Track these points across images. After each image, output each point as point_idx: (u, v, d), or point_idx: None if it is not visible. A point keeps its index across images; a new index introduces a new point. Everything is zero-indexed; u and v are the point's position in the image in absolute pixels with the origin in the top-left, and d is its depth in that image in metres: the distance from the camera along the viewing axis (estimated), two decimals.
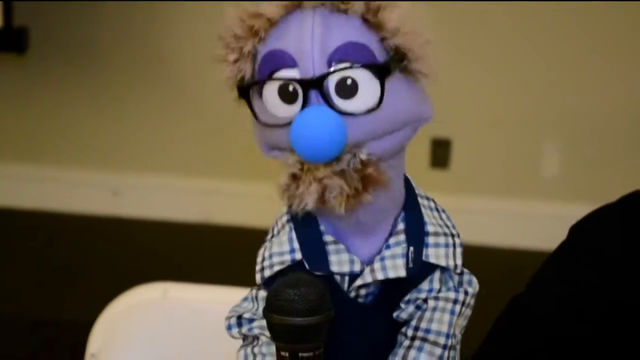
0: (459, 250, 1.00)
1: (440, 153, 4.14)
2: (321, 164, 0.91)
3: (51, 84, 4.30)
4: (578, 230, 1.16)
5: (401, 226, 0.98)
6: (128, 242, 4.08)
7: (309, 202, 0.91)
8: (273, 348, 0.96)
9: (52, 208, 4.32)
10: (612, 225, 1.13)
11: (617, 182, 3.85)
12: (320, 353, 0.89)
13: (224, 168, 4.20)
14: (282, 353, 0.89)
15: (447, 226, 1.01)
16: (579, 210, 1.20)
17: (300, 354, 0.89)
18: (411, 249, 0.97)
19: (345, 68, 0.90)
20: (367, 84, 0.90)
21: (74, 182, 4.34)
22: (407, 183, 1.01)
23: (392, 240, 0.98)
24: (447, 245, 0.99)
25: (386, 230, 0.98)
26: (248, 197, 4.04)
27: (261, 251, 1.00)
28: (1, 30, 3.87)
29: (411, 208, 0.99)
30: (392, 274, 0.96)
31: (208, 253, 3.93)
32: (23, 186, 4.35)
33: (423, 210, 1.00)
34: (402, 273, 0.96)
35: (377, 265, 0.96)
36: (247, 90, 0.93)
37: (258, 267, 1.00)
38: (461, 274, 1.00)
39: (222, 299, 1.41)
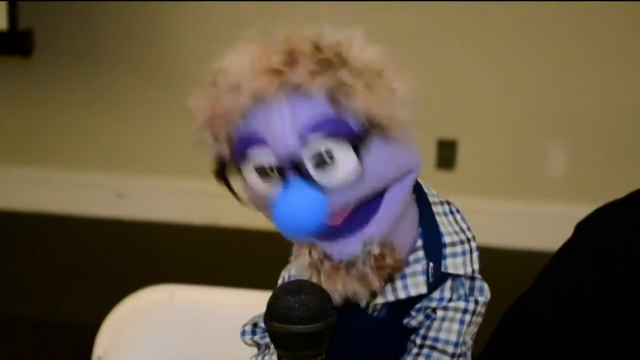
0: (475, 254, 0.99)
1: (446, 154, 4.13)
2: (338, 265, 0.92)
3: (56, 86, 4.30)
4: (583, 228, 1.16)
5: (419, 242, 0.98)
6: (133, 245, 4.08)
7: (336, 298, 0.92)
8: None
9: (57, 210, 4.32)
10: (618, 223, 1.13)
11: (623, 182, 3.83)
12: (323, 359, 0.89)
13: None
14: None
15: (462, 231, 1.00)
16: (586, 211, 1.19)
17: None
18: (431, 264, 0.97)
19: (319, 139, 0.88)
20: (344, 154, 0.89)
21: (78, 184, 4.34)
22: (420, 191, 1.01)
23: (411, 257, 0.97)
24: (464, 253, 0.99)
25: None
26: None
27: (282, 273, 1.02)
28: (6, 33, 3.87)
29: (427, 222, 0.99)
30: (413, 292, 0.96)
31: (214, 255, 3.92)
32: (28, 188, 4.35)
33: (438, 219, 1.00)
34: (423, 290, 0.96)
35: (398, 283, 0.96)
36: (222, 169, 0.95)
37: (280, 280, 1.01)
38: (473, 279, 1.00)
39: (229, 301, 1.41)
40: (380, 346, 0.99)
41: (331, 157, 0.89)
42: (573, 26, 3.96)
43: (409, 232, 0.97)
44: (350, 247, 0.92)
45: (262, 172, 0.91)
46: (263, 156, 0.90)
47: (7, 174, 4.38)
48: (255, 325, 1.03)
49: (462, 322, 0.98)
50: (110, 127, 4.31)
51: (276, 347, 0.90)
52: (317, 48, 0.89)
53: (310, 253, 0.93)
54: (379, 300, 0.96)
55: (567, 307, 1.11)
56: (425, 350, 0.98)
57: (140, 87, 4.24)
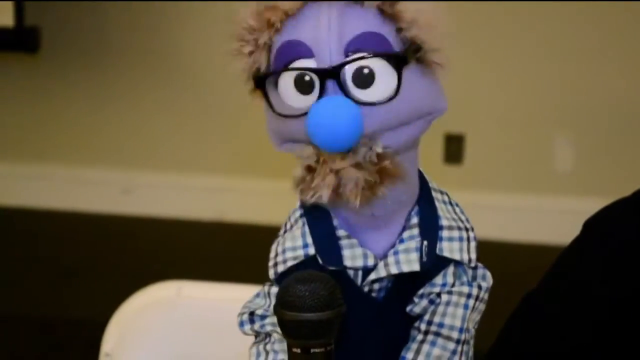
0: (473, 244, 0.99)
1: (454, 149, 4.13)
2: (337, 154, 0.91)
3: (62, 83, 4.30)
4: (592, 225, 1.15)
5: (415, 220, 0.98)
6: (140, 241, 4.08)
7: (324, 194, 0.91)
8: (285, 345, 0.96)
9: (63, 207, 4.33)
10: (627, 220, 1.12)
11: (630, 176, 3.84)
12: (332, 348, 0.89)
13: (237, 166, 4.20)
14: (294, 349, 0.89)
15: (461, 220, 1.00)
16: (594, 205, 1.19)
17: (312, 350, 0.88)
18: (425, 242, 0.97)
19: (362, 57, 0.89)
20: (384, 74, 0.90)
21: (84, 181, 4.34)
22: (421, 177, 1.01)
23: (405, 234, 0.97)
24: (461, 239, 0.99)
25: (400, 224, 0.98)
26: (261, 195, 4.04)
27: (274, 246, 1.00)
28: (13, 30, 3.88)
29: (425, 202, 0.99)
30: (405, 268, 0.96)
31: (221, 251, 3.92)
32: (34, 185, 4.35)
33: (437, 204, 1.00)
34: (416, 267, 0.96)
35: (390, 259, 0.96)
36: (263, 80, 0.93)
37: (271, 263, 1.00)
38: (475, 268, 1.00)
39: (236, 297, 1.40)
40: (386, 333, 0.99)
41: (372, 75, 0.90)
42: (580, 21, 3.95)
43: (412, 181, 0.97)
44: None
45: (301, 84, 0.91)
46: (304, 66, 0.90)
47: (13, 171, 4.38)
48: (252, 314, 1.02)
49: (466, 306, 0.98)
50: (116, 123, 4.32)
51: (286, 335, 0.90)
52: None
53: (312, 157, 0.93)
54: (372, 276, 0.96)
55: (577, 304, 1.11)
56: (430, 337, 0.98)
57: (146, 83, 4.24)
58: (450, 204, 1.02)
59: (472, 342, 1.00)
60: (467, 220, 1.01)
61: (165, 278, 1.51)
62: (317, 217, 0.98)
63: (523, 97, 4.07)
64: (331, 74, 0.89)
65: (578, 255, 1.14)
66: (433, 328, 0.98)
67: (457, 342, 0.97)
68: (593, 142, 4.05)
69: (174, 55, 4.20)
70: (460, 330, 0.98)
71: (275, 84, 0.93)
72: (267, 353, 1.00)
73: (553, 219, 3.90)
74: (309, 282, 0.88)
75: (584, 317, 1.10)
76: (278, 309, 0.89)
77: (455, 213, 1.01)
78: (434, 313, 0.98)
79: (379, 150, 0.91)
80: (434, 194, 1.00)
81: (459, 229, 0.99)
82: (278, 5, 0.92)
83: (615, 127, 4.02)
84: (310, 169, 0.92)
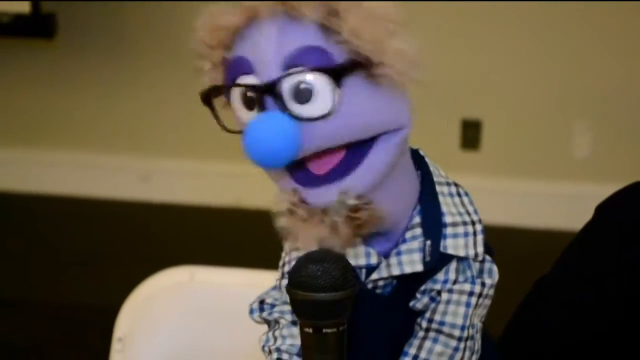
0: (479, 237, 0.98)
1: (471, 134, 4.11)
2: (315, 213, 0.91)
3: (79, 69, 4.30)
4: (604, 209, 1.15)
5: (417, 219, 0.97)
6: (157, 227, 4.09)
7: (308, 247, 0.91)
8: (293, 330, 0.97)
9: (81, 193, 4.34)
10: (637, 204, 1.12)
11: None
12: (344, 329, 0.88)
13: None
14: (306, 329, 0.88)
15: (467, 213, 0.99)
16: (611, 191, 1.18)
17: (324, 330, 0.88)
18: (428, 242, 0.95)
19: (299, 72, 0.88)
20: (323, 89, 0.88)
21: (102, 167, 4.34)
22: (425, 171, 0.99)
23: (408, 234, 0.96)
24: (466, 235, 0.97)
25: (403, 222, 0.97)
26: None
27: (285, 246, 1.01)
28: (29, 16, 3.89)
29: (427, 200, 0.98)
30: (408, 269, 0.95)
31: (237, 237, 3.92)
32: (52, 171, 4.36)
33: (442, 199, 0.98)
34: (419, 268, 0.95)
35: (393, 259, 0.96)
36: (209, 96, 0.95)
37: (281, 262, 1.02)
38: (482, 261, 0.98)
39: (249, 282, 1.40)
40: (391, 328, 0.98)
41: (310, 90, 0.88)
42: (598, 7, 3.92)
43: (400, 200, 0.96)
44: (327, 195, 0.90)
45: (245, 100, 0.91)
46: (247, 82, 0.90)
47: (31, 157, 4.39)
48: (262, 302, 1.02)
49: (468, 304, 0.97)
50: (133, 109, 4.32)
51: (298, 316, 0.89)
52: None
53: (290, 198, 0.93)
54: (374, 276, 0.96)
55: (589, 287, 1.10)
56: (431, 334, 0.97)
57: (163, 69, 4.23)
58: (459, 194, 1.00)
59: (478, 335, 0.99)
60: (475, 212, 0.99)
61: (180, 264, 1.51)
62: None
63: (540, 83, 4.05)
64: (268, 90, 0.88)
65: (591, 238, 1.13)
66: (434, 326, 0.97)
67: (459, 339, 0.97)
68: (611, 127, 4.03)
69: (191, 41, 4.19)
70: (462, 328, 0.96)
71: (229, 100, 0.93)
72: (275, 339, 1.00)
73: (570, 205, 3.88)
74: (321, 262, 0.88)
75: (596, 302, 1.09)
76: (290, 289, 0.88)
77: (463, 205, 0.99)
78: (434, 311, 0.97)
79: (351, 202, 0.90)
80: (438, 188, 0.99)
81: (464, 224, 0.98)
82: (224, 24, 0.92)
83: (633, 113, 4.00)
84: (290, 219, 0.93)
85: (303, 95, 0.88)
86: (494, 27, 3.97)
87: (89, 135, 4.36)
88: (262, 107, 0.89)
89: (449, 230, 0.97)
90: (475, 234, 0.97)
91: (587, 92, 4.01)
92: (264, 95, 0.89)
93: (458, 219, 0.97)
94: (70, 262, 3.68)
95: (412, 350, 0.97)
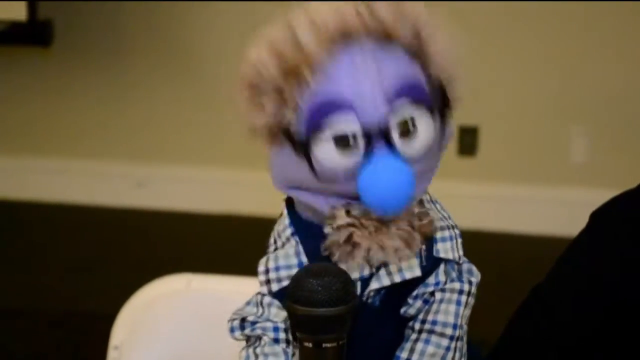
0: (459, 240, 0.98)
1: (468, 140, 4.11)
2: (378, 221, 0.89)
3: (76, 76, 4.30)
4: (598, 216, 1.15)
5: None
6: (153, 234, 4.08)
7: (360, 261, 0.90)
8: (276, 348, 0.95)
9: (77, 200, 4.33)
10: (633, 211, 1.11)
11: None
12: (344, 343, 0.88)
13: (248, 159, 4.19)
14: (306, 344, 0.88)
15: (448, 217, 0.99)
16: (608, 197, 1.18)
17: (324, 345, 0.87)
18: (423, 247, 0.95)
19: (405, 107, 0.85)
20: (425, 121, 0.87)
21: (98, 174, 4.34)
22: None
23: None
24: (451, 238, 0.98)
25: None
26: (273, 188, 4.02)
27: (264, 261, 0.98)
28: (26, 24, 3.89)
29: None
30: (408, 275, 0.95)
31: (233, 244, 3.92)
32: (47, 178, 4.36)
33: (426, 204, 0.98)
34: (418, 272, 0.95)
35: (393, 267, 0.95)
36: (306, 145, 0.87)
37: (263, 278, 0.97)
38: (460, 263, 0.99)
39: (246, 290, 1.39)
40: (382, 337, 0.98)
41: (414, 125, 0.86)
42: (595, 12, 3.93)
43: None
44: (396, 205, 0.88)
45: (342, 141, 0.85)
46: (345, 123, 0.85)
47: (27, 165, 4.39)
48: (243, 320, 0.99)
49: (459, 302, 0.97)
50: (130, 117, 4.31)
51: (298, 330, 0.89)
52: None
53: (348, 213, 0.90)
54: (374, 285, 0.95)
55: (584, 295, 1.10)
56: (423, 335, 0.96)
57: (159, 77, 4.24)
58: (434, 201, 1.00)
59: (465, 338, 0.99)
60: (450, 217, 0.99)
61: (177, 271, 1.50)
62: (308, 235, 0.96)
63: (537, 89, 4.05)
64: (380, 133, 0.85)
65: (583, 248, 1.13)
66: (427, 326, 0.97)
67: (451, 338, 0.96)
68: (608, 133, 4.03)
69: (187, 49, 4.20)
70: (454, 327, 0.96)
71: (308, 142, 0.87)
72: (256, 356, 0.97)
73: (567, 211, 3.88)
74: (322, 276, 0.87)
75: (591, 309, 1.09)
76: (290, 304, 0.88)
77: (443, 210, 1.00)
78: (427, 312, 0.97)
79: (417, 210, 0.91)
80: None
81: (449, 228, 0.98)
82: (304, 48, 0.84)
83: (630, 119, 4.00)
84: (350, 238, 0.89)
85: (409, 131, 0.86)
86: (490, 34, 3.98)
87: (84, 142, 4.36)
88: (370, 149, 0.85)
89: (438, 235, 0.97)
90: (457, 237, 0.98)
91: (583, 98, 4.01)
92: (373, 136, 0.85)
93: (443, 223, 0.98)
94: (66, 269, 3.67)
95: (404, 354, 0.96)
